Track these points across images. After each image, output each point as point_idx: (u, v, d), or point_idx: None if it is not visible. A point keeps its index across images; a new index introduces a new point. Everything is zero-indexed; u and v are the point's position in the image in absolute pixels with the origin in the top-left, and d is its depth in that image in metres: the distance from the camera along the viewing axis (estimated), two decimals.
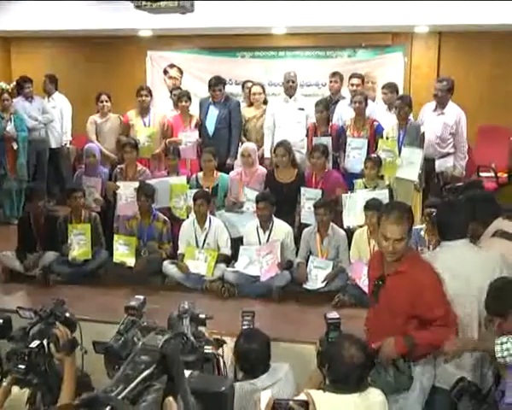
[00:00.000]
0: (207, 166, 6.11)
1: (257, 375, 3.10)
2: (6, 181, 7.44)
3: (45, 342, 2.75)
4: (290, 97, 6.65)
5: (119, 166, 6.39)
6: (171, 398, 1.26)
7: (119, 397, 1.19)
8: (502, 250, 3.44)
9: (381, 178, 5.80)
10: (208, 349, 2.78)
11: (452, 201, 4.00)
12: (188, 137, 6.56)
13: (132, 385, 1.23)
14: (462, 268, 3.30)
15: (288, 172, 5.98)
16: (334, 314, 3.22)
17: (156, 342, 1.38)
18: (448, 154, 6.36)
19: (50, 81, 8.18)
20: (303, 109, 6.54)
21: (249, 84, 7.34)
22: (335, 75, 7.09)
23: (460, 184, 5.27)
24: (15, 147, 7.38)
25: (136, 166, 6.30)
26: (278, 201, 5.62)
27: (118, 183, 6.15)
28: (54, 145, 8.13)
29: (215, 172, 6.16)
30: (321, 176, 5.87)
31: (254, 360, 3.13)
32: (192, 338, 2.66)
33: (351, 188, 5.85)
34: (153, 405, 1.23)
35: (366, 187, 5.74)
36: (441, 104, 6.34)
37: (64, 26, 8.23)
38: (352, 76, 6.97)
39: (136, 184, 5.93)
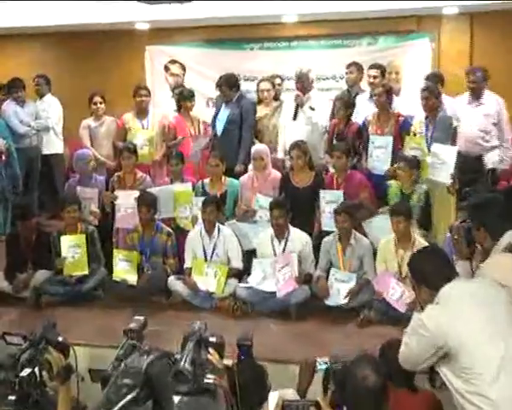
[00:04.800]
0: (214, 171, 6.13)
1: (253, 408, 3.11)
2: None
3: (37, 369, 2.76)
4: (304, 94, 6.65)
5: (116, 174, 6.42)
6: None
7: None
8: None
9: (417, 181, 5.73)
10: (210, 379, 2.73)
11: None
12: (199, 146, 6.68)
13: None
14: None
15: (305, 175, 5.99)
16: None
17: (140, 363, 1.36)
18: (493, 147, 6.42)
19: (45, 81, 8.18)
20: (313, 109, 6.52)
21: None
22: (352, 65, 7.11)
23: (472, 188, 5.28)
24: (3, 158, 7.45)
25: (135, 173, 6.33)
26: (295, 207, 5.62)
27: (116, 192, 6.18)
28: (45, 152, 8.18)
29: (223, 177, 6.18)
30: (343, 178, 5.87)
31: (248, 394, 3.13)
32: (187, 365, 2.62)
33: (380, 191, 5.84)
34: None
35: (402, 192, 5.70)
36: (476, 95, 6.42)
37: (51, 22, 8.30)
38: (371, 67, 6.99)
39: (136, 194, 5.95)
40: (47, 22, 8.33)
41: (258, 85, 7.18)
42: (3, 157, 7.43)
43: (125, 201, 6.07)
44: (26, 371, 2.71)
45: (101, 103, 7.06)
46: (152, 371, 1.30)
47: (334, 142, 6.19)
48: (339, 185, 5.83)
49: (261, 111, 6.96)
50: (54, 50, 9.53)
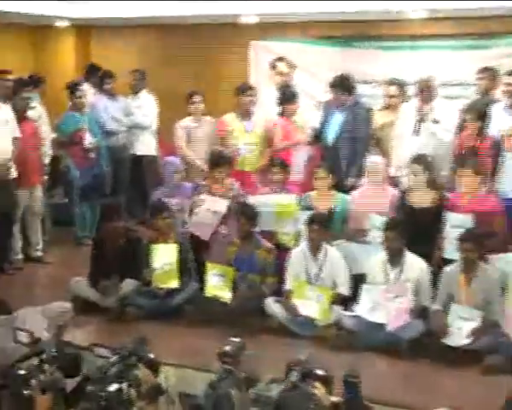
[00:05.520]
0: (322, 184, 6.14)
1: None
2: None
3: (125, 385, 2.82)
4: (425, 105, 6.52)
5: (203, 182, 6.51)
6: None
7: None
8: None
9: None
10: None
11: None
12: (303, 156, 6.75)
13: None
14: None
15: (425, 195, 5.89)
16: None
17: (271, 391, 1.37)
18: None
19: (142, 77, 8.46)
20: (437, 122, 6.40)
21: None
22: (484, 71, 6.98)
23: None
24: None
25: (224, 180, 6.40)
26: (411, 230, 5.54)
27: (203, 196, 6.27)
28: (138, 153, 8.42)
29: (332, 192, 6.17)
30: (473, 201, 5.72)
31: None
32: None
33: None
34: None
35: None
36: None
37: (151, 13, 8.55)
38: (508, 73, 6.79)
39: (225, 204, 6.08)
40: (147, 13, 8.59)
41: (385, 88, 7.16)
42: (92, 155, 7.72)
43: (211, 206, 6.16)
44: (113, 387, 2.78)
45: (200, 103, 7.20)
46: (284, 400, 1.30)
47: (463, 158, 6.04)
48: (467, 209, 5.68)
49: (384, 117, 6.95)
50: (152, 44, 9.86)
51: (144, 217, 7.55)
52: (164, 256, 5.87)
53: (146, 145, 8.41)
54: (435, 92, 6.59)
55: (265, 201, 6.17)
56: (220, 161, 6.39)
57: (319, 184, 6.19)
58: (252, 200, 6.21)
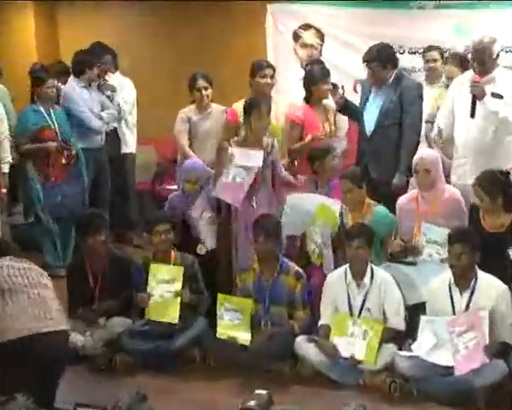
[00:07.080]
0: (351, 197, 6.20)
1: None
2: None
3: None
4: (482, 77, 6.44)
5: None
6: None
7: None
8: None
9: None
10: None
11: None
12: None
13: None
14: None
15: (498, 217, 5.84)
16: None
17: None
18: None
19: (110, 57, 8.71)
20: (500, 97, 6.32)
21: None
22: None
23: None
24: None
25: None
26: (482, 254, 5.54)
27: (231, 150, 6.37)
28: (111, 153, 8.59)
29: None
30: None
31: None
32: None
33: None
34: None
35: None
36: None
37: None
38: None
39: (260, 157, 6.22)
40: None
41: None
42: (71, 162, 7.83)
43: (243, 161, 6.27)
44: None
45: (206, 89, 7.23)
46: None
47: None
48: None
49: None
50: (137, 15, 10.05)
51: (126, 231, 7.65)
52: (164, 281, 5.96)
53: (125, 141, 8.68)
54: (496, 60, 6.43)
55: (296, 201, 6.35)
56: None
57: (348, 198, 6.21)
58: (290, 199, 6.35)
